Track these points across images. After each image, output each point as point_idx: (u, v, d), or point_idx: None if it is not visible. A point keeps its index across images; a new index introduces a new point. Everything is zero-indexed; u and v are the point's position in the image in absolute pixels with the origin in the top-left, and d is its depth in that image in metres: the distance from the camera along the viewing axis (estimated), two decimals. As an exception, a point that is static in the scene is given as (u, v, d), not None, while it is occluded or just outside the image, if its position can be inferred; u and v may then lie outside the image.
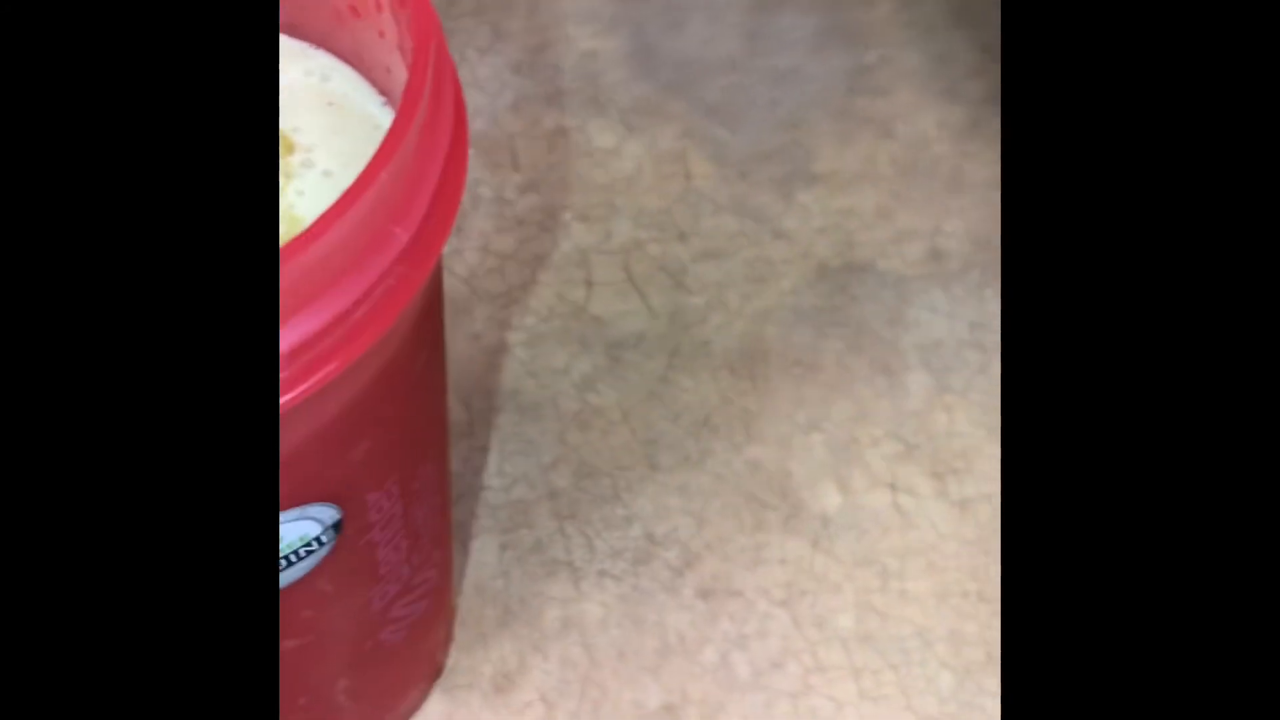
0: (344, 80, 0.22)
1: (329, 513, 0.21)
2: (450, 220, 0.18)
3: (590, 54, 0.44)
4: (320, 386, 0.17)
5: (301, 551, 0.21)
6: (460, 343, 0.38)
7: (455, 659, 0.33)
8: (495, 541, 0.35)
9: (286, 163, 0.21)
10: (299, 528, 0.21)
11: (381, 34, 0.21)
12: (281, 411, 0.17)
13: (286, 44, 0.22)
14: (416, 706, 0.31)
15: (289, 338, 0.16)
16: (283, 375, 0.17)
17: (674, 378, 0.38)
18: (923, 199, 0.41)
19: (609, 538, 0.35)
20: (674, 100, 0.43)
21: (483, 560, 0.35)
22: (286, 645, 0.23)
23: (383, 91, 0.22)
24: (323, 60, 0.22)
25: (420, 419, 0.23)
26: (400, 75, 0.21)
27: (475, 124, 0.42)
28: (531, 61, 0.44)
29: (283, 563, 0.21)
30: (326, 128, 0.21)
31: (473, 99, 0.42)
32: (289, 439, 0.18)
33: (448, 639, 0.32)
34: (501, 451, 0.36)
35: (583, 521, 0.35)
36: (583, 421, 0.37)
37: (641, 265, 0.40)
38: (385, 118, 0.22)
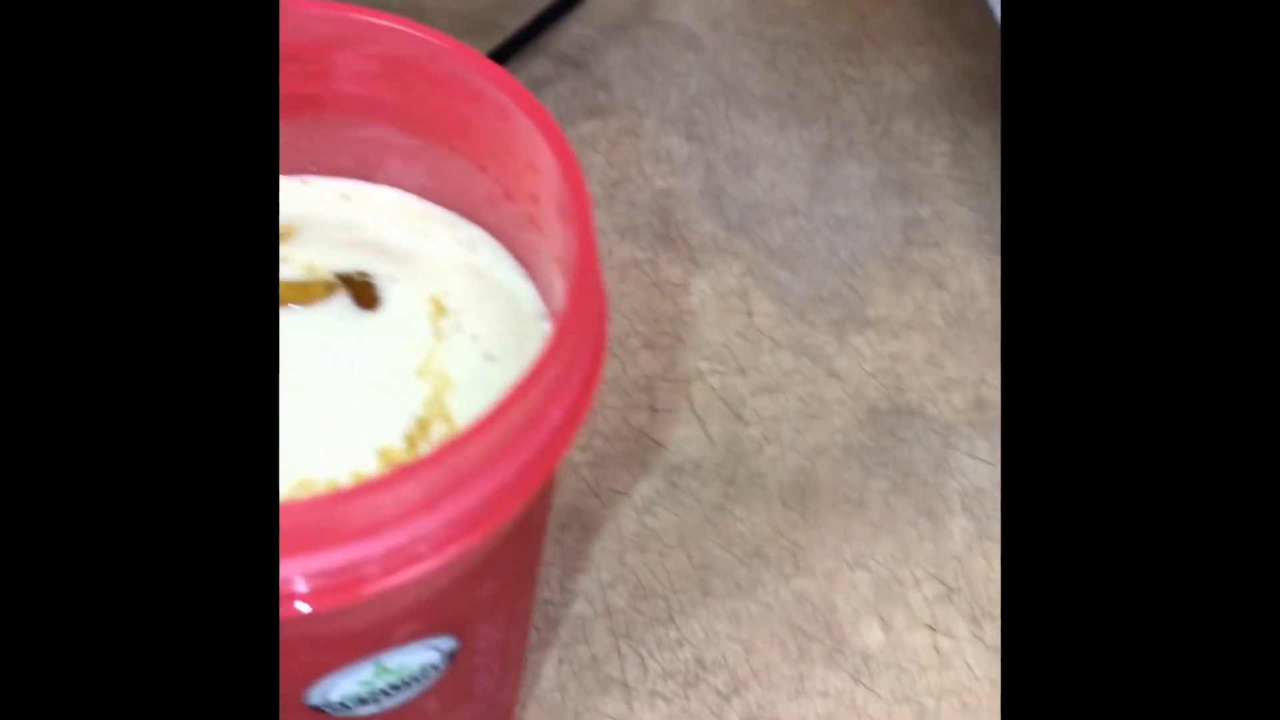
0: (490, 252, 0.25)
1: (449, 643, 0.23)
2: (592, 395, 0.20)
3: (664, 192, 0.47)
4: (478, 543, 0.19)
5: (420, 676, 0.23)
6: (531, 460, 0.40)
7: (514, 767, 0.35)
8: (554, 655, 0.37)
9: (439, 325, 0.23)
10: (423, 655, 0.23)
11: (531, 219, 0.23)
12: (440, 565, 0.19)
13: (440, 214, 0.25)
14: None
15: (461, 504, 0.19)
16: (448, 536, 0.19)
17: (729, 506, 0.40)
18: (969, 349, 0.44)
19: (661, 659, 0.37)
20: (739, 240, 0.46)
21: (542, 673, 0.36)
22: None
23: (524, 264, 0.25)
24: (472, 232, 0.25)
25: (533, 557, 0.25)
26: (544, 256, 0.23)
27: (555, 251, 0.45)
28: (610, 195, 0.47)
29: (403, 686, 0.23)
30: (474, 294, 0.24)
31: (553, 227, 0.45)
32: (436, 583, 0.20)
33: (510, 749, 0.34)
34: (564, 568, 0.38)
35: (637, 641, 0.37)
36: (641, 543, 0.39)
37: (702, 395, 0.42)
38: (524, 289, 0.25)
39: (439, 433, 0.22)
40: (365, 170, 0.26)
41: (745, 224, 0.47)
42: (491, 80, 0.22)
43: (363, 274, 0.24)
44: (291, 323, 0.23)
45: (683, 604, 0.38)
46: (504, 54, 0.47)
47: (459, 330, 0.23)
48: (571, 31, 0.51)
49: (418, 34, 0.22)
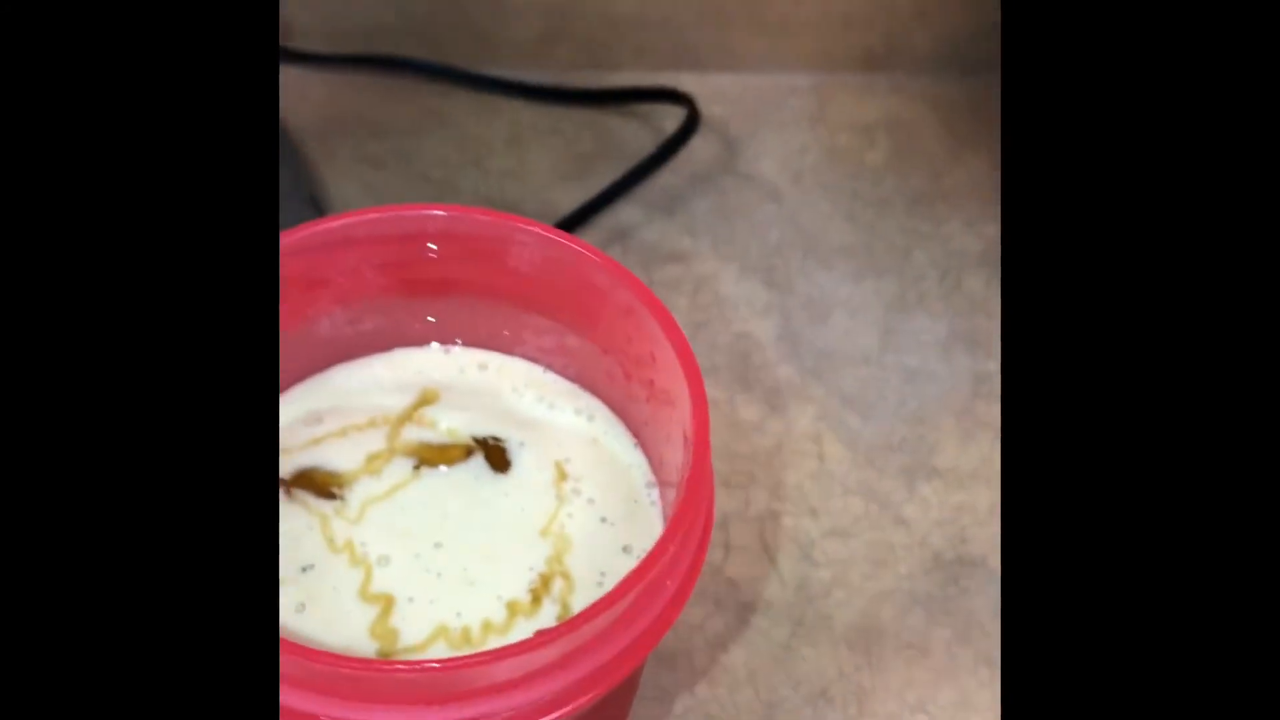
0: (606, 423, 0.27)
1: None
2: (699, 570, 0.23)
3: (743, 335, 0.50)
4: (595, 698, 0.22)
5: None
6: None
7: None
8: (628, 782, 0.39)
9: (560, 489, 0.26)
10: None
11: (646, 399, 0.26)
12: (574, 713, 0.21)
13: (564, 385, 0.28)
14: None
15: (586, 665, 0.21)
16: (570, 694, 0.21)
17: (797, 646, 0.42)
18: (1032, 504, 0.45)
19: (729, 791, 0.39)
20: (814, 384, 0.49)
21: (616, 799, 0.38)
22: None
23: (635, 435, 0.27)
24: (591, 403, 0.28)
25: (629, 700, 0.27)
26: (655, 431, 0.26)
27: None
28: (691, 337, 0.49)
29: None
30: (591, 461, 0.27)
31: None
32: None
33: None
34: (640, 697, 0.40)
35: (707, 772, 0.39)
36: (713, 678, 0.41)
37: (775, 535, 0.45)
38: (635, 458, 0.27)
39: (558, 588, 0.25)
40: (502, 344, 0.29)
41: (819, 370, 0.49)
42: (621, 281, 0.25)
43: (496, 439, 0.27)
44: (434, 482, 0.26)
45: (750, 739, 0.40)
46: (599, 203, 0.51)
47: (578, 494, 0.26)
48: (661, 180, 0.55)
49: (565, 241, 0.25)
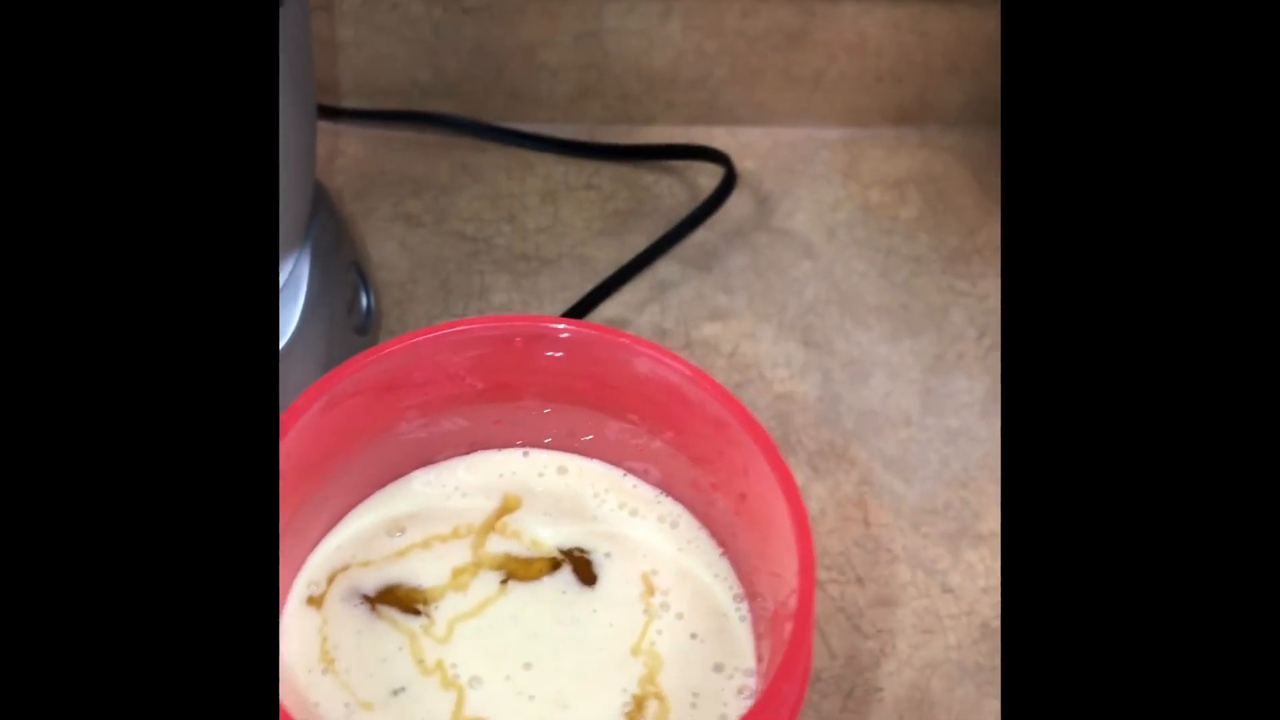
0: (691, 531, 0.27)
1: None
2: (802, 701, 0.23)
3: (783, 396, 0.50)
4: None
5: None
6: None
7: None
8: None
9: (649, 603, 0.26)
10: None
11: (738, 512, 0.26)
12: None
13: (645, 490, 0.27)
14: None
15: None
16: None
17: (847, 719, 0.42)
18: (1077, 570, 0.45)
19: None
20: (855, 448, 0.49)
21: None
22: None
23: (721, 545, 0.27)
24: (674, 509, 0.27)
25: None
26: (744, 545, 0.26)
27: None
28: (734, 400, 0.49)
29: None
30: (677, 572, 0.26)
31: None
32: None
33: None
34: (694, 774, 0.40)
35: None
36: (766, 752, 0.41)
37: (823, 604, 0.44)
38: (723, 568, 0.27)
39: (653, 710, 0.25)
40: (581, 446, 0.28)
41: (861, 432, 0.49)
42: (713, 395, 0.25)
43: (582, 550, 0.27)
44: (522, 597, 0.26)
45: (805, 816, 0.40)
46: (639, 263, 0.51)
47: (666, 609, 0.26)
48: (697, 237, 0.55)
49: (673, 362, 0.25)
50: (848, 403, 0.50)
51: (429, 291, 0.51)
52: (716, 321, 0.53)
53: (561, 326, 0.26)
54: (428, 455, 0.30)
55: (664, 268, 0.54)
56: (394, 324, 0.50)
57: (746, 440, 0.24)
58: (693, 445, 0.26)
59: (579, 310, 0.47)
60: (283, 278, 0.41)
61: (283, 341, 0.40)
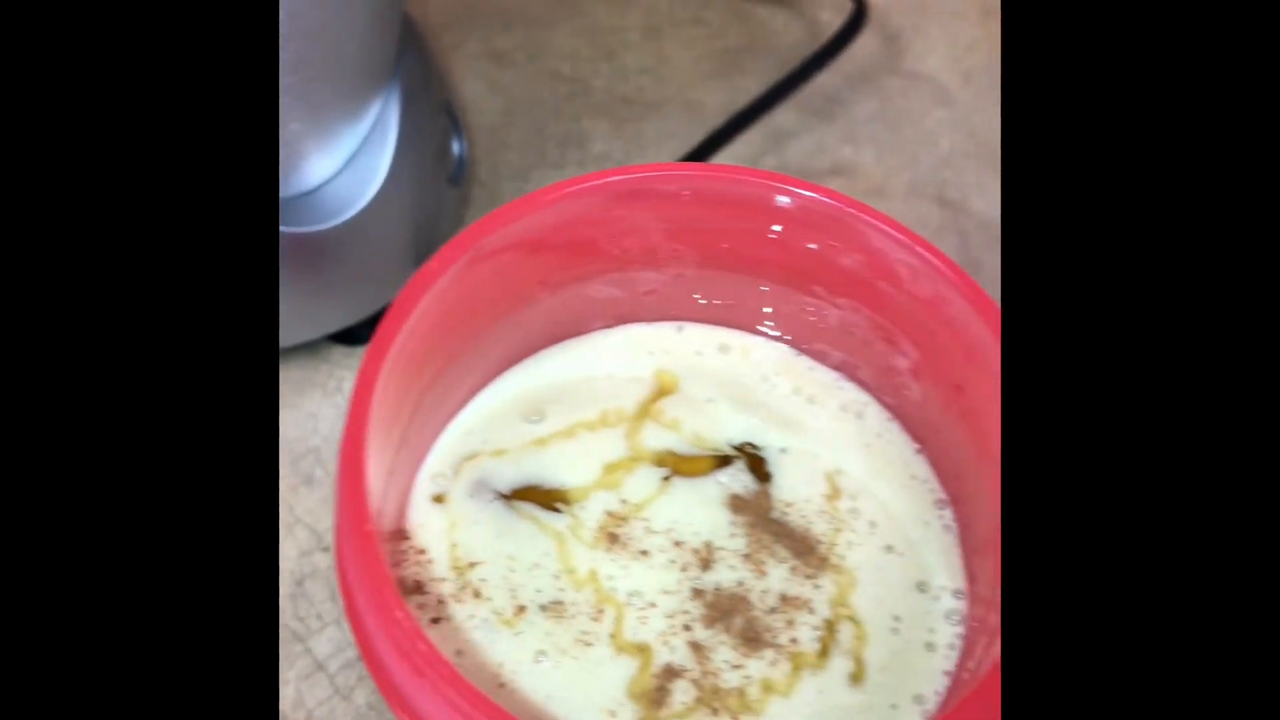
0: (880, 423, 0.23)
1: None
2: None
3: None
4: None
5: None
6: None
7: None
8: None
9: (835, 508, 0.22)
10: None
11: (948, 404, 0.21)
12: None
13: (825, 374, 0.23)
14: None
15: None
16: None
17: None
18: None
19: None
20: (996, 319, 0.44)
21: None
22: None
23: (916, 439, 0.23)
24: (860, 397, 0.23)
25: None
26: (951, 441, 0.21)
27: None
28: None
29: None
30: (867, 472, 0.22)
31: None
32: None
33: None
34: None
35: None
36: None
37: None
38: (921, 469, 0.23)
39: (847, 636, 0.21)
40: (743, 319, 0.24)
41: (1002, 302, 0.44)
42: (933, 266, 0.20)
43: (754, 446, 0.23)
44: (686, 498, 0.22)
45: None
46: (753, 111, 0.45)
47: (856, 515, 0.22)
48: (817, 80, 0.49)
49: (856, 211, 0.21)
50: (990, 268, 0.45)
51: (522, 138, 0.46)
52: (840, 177, 0.48)
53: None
54: (565, 329, 0.25)
55: (781, 115, 0.49)
56: (485, 174, 0.45)
57: (978, 324, 0.20)
58: (892, 324, 0.22)
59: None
60: (369, 121, 0.37)
61: (371, 192, 0.36)
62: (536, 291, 0.24)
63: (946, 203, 0.47)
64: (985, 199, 0.47)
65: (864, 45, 0.51)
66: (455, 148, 0.43)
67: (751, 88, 0.48)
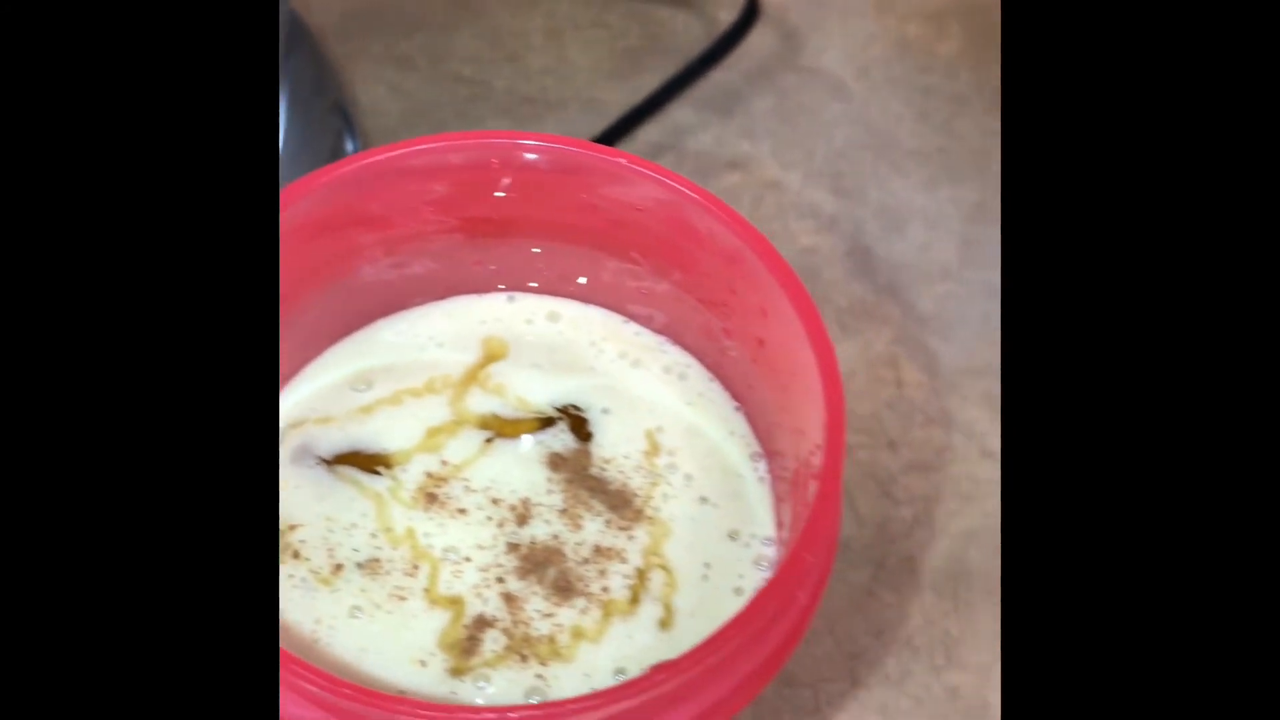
0: (701, 383, 0.24)
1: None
2: (826, 582, 0.19)
3: (810, 250, 0.46)
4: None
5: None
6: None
7: None
8: (702, 742, 0.36)
9: (653, 464, 0.22)
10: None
11: (755, 359, 0.22)
12: None
13: (648, 337, 0.24)
14: None
15: (711, 696, 0.18)
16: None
17: (878, 591, 0.39)
18: (1129, 433, 0.42)
19: (810, 751, 0.36)
20: (888, 304, 0.45)
21: (690, 761, 0.36)
22: None
23: (735, 396, 0.24)
24: (679, 357, 0.24)
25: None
26: (763, 395, 0.22)
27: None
28: (756, 253, 0.45)
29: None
30: (686, 429, 0.23)
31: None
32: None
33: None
34: (712, 650, 0.38)
35: (785, 731, 0.36)
36: (789, 627, 0.38)
37: (851, 470, 0.41)
38: (738, 425, 0.24)
39: (658, 583, 0.22)
40: (575, 290, 0.25)
41: (895, 287, 0.45)
42: (728, 224, 0.21)
43: (576, 408, 0.24)
44: (506, 458, 0.23)
45: (830, 694, 0.37)
46: (650, 105, 0.46)
47: (673, 470, 0.22)
48: (717, 77, 0.50)
49: (660, 176, 0.21)
50: (880, 256, 0.46)
51: (423, 139, 0.47)
52: (737, 170, 0.48)
53: (543, 145, 0.22)
54: (396, 302, 0.26)
55: (679, 111, 0.50)
56: (385, 174, 0.46)
57: (765, 275, 0.21)
58: (703, 285, 0.23)
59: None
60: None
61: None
62: (357, 266, 0.25)
63: (841, 193, 0.48)
64: (879, 189, 0.48)
65: (762, 42, 0.52)
66: (349, 147, 0.43)
67: (652, 86, 0.49)
